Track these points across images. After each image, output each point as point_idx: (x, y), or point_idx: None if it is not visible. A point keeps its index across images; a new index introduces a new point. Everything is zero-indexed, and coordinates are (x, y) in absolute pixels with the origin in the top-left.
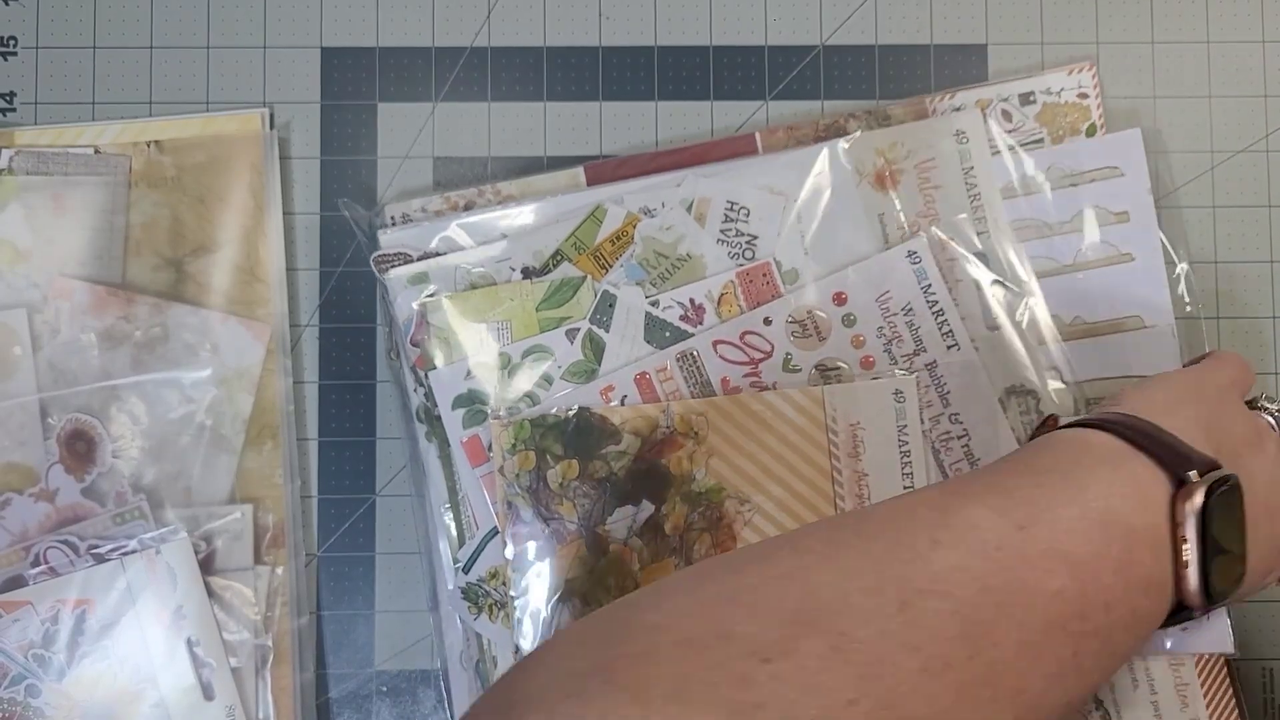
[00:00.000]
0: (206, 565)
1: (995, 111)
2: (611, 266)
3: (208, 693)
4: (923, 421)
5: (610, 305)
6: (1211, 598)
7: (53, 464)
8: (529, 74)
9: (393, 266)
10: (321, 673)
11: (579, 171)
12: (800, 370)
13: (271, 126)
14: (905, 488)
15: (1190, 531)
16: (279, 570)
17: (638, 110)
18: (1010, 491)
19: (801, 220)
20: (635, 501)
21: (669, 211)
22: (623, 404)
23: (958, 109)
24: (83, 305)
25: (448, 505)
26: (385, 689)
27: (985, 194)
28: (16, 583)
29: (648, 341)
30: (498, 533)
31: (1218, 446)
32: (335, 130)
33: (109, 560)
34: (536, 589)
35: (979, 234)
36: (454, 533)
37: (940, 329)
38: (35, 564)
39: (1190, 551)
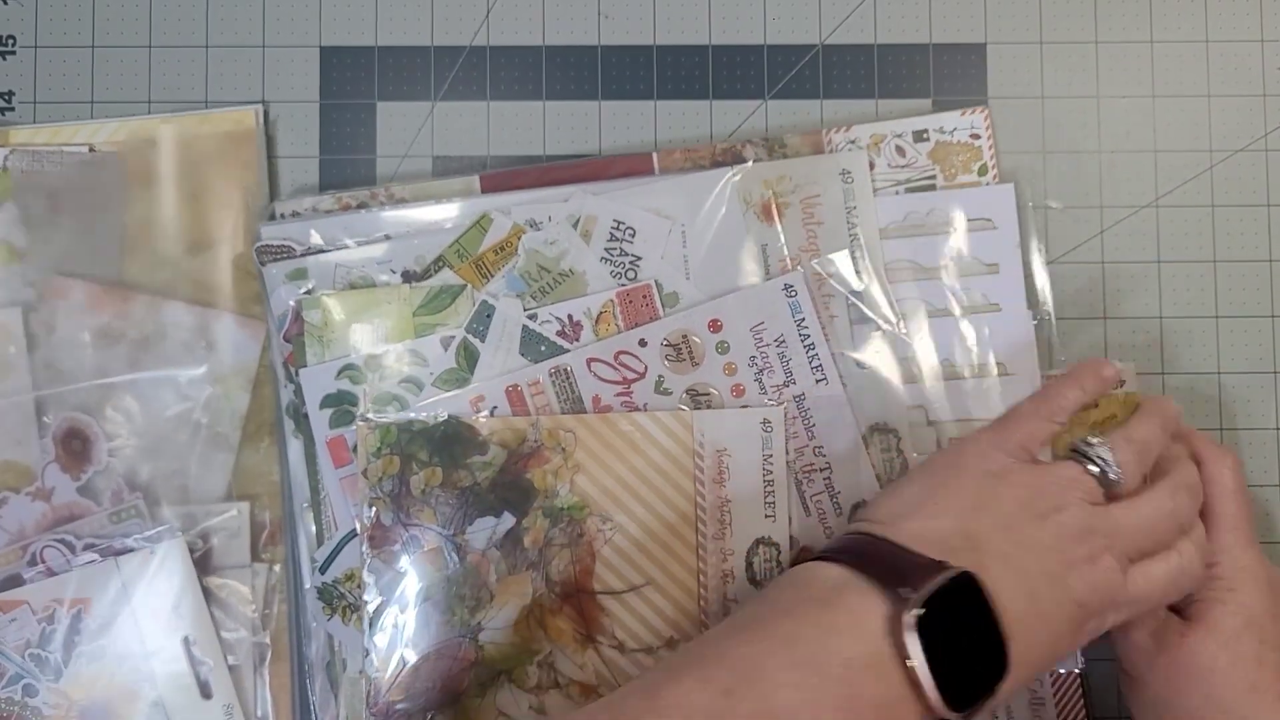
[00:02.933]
0: (203, 563)
1: (889, 146)
2: (493, 276)
3: (205, 691)
4: (788, 452)
5: (488, 315)
6: (967, 702)
7: (49, 462)
8: (528, 73)
9: (275, 260)
10: None
11: (474, 180)
12: (671, 393)
13: (265, 123)
14: (767, 517)
15: (914, 649)
16: (276, 568)
17: (637, 109)
18: (721, 656)
19: (687, 245)
20: (497, 513)
21: (555, 226)
22: (492, 415)
23: (853, 141)
24: (78, 304)
25: (309, 504)
26: None
27: (865, 234)
28: (13, 582)
29: (522, 354)
30: (356, 535)
31: (975, 530)
32: (334, 129)
33: (105, 559)
34: (391, 594)
35: (857, 272)
36: (313, 532)
37: (810, 363)
38: (32, 563)
39: (920, 668)
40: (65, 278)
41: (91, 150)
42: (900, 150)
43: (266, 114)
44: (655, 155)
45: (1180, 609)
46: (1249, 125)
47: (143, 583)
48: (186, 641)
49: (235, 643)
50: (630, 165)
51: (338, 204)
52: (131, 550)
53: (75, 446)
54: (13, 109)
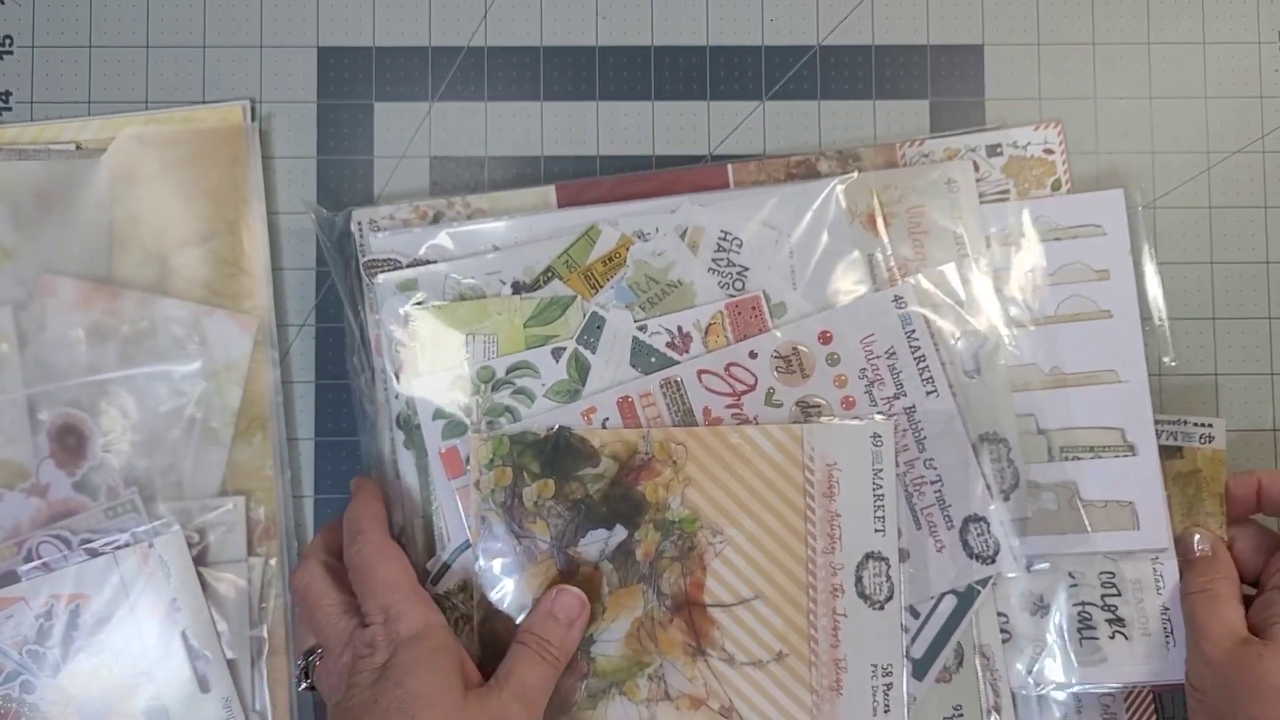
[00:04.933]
0: (200, 558)
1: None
2: (602, 287)
3: (203, 685)
4: (898, 465)
5: (598, 327)
6: None
7: (43, 459)
8: (526, 74)
9: (381, 271)
10: None
11: (549, 190)
12: (782, 405)
13: (253, 119)
14: (877, 531)
15: None
16: (272, 562)
17: (635, 110)
18: None
19: (794, 255)
20: (609, 525)
21: (662, 237)
22: (604, 427)
23: (926, 155)
24: (69, 301)
25: (420, 515)
26: None
27: (972, 243)
28: (9, 579)
29: (633, 365)
30: (469, 546)
31: None
32: (332, 130)
33: (102, 554)
34: (504, 605)
35: (965, 281)
36: (421, 544)
37: (921, 374)
38: (28, 559)
39: None
40: (55, 275)
41: (78, 148)
42: (974, 165)
43: (256, 109)
44: (730, 168)
45: (1260, 630)
46: (1246, 127)
47: (141, 578)
48: (184, 636)
49: (233, 637)
50: (704, 178)
51: (415, 213)
52: (129, 545)
53: (70, 442)
54: (10, 109)
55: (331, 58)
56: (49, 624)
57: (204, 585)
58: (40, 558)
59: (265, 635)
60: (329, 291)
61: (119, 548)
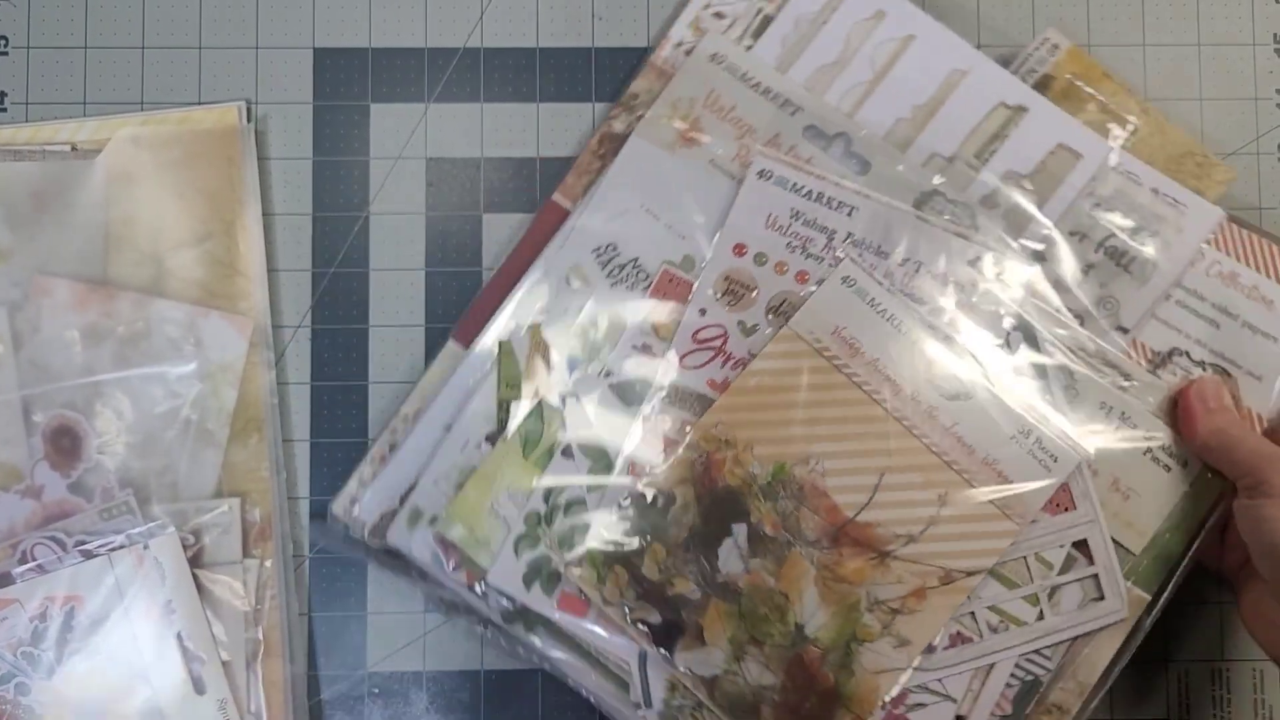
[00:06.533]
0: (195, 560)
1: None
2: (541, 375)
3: (199, 687)
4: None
5: (580, 410)
6: None
7: (38, 460)
8: (522, 75)
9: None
10: (313, 674)
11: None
12: (759, 326)
13: (249, 119)
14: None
15: None
16: (267, 564)
17: None
18: None
19: (654, 214)
20: (726, 532)
21: (558, 296)
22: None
23: None
24: (64, 302)
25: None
26: (377, 690)
27: None
28: (4, 580)
29: (629, 406)
30: (646, 656)
31: None
32: (327, 131)
33: (97, 556)
34: (707, 668)
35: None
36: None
37: (832, 206)
38: (22, 561)
39: None
40: (50, 276)
41: (74, 149)
42: None
43: (252, 110)
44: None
45: None
46: (1241, 129)
47: (136, 579)
48: (180, 638)
49: (228, 639)
50: (542, 225)
51: None
52: (124, 547)
53: (65, 444)
54: (5, 110)
55: (327, 59)
56: (43, 626)
57: (199, 587)
58: (35, 559)
59: (261, 637)
60: (324, 293)
61: (114, 549)
